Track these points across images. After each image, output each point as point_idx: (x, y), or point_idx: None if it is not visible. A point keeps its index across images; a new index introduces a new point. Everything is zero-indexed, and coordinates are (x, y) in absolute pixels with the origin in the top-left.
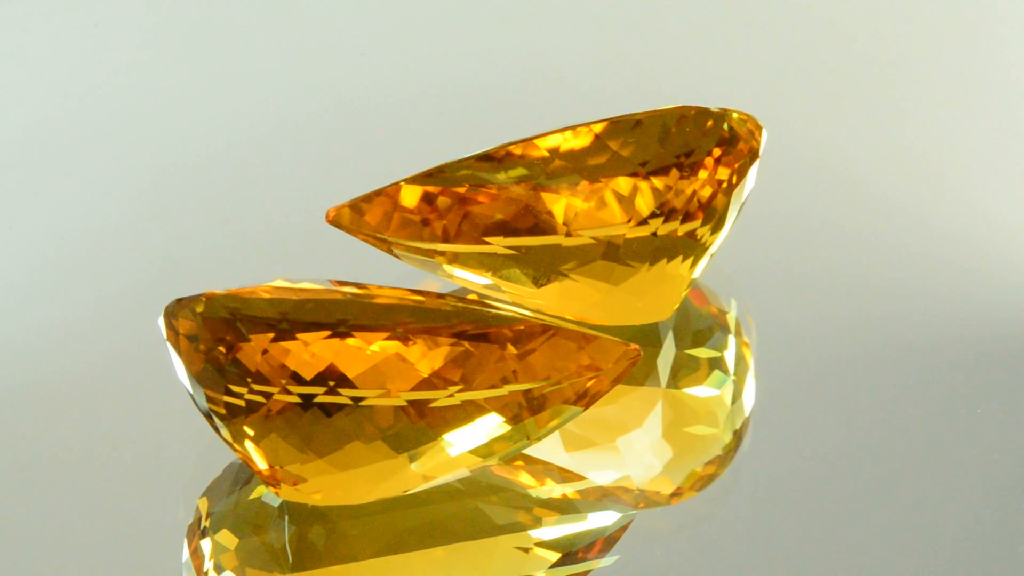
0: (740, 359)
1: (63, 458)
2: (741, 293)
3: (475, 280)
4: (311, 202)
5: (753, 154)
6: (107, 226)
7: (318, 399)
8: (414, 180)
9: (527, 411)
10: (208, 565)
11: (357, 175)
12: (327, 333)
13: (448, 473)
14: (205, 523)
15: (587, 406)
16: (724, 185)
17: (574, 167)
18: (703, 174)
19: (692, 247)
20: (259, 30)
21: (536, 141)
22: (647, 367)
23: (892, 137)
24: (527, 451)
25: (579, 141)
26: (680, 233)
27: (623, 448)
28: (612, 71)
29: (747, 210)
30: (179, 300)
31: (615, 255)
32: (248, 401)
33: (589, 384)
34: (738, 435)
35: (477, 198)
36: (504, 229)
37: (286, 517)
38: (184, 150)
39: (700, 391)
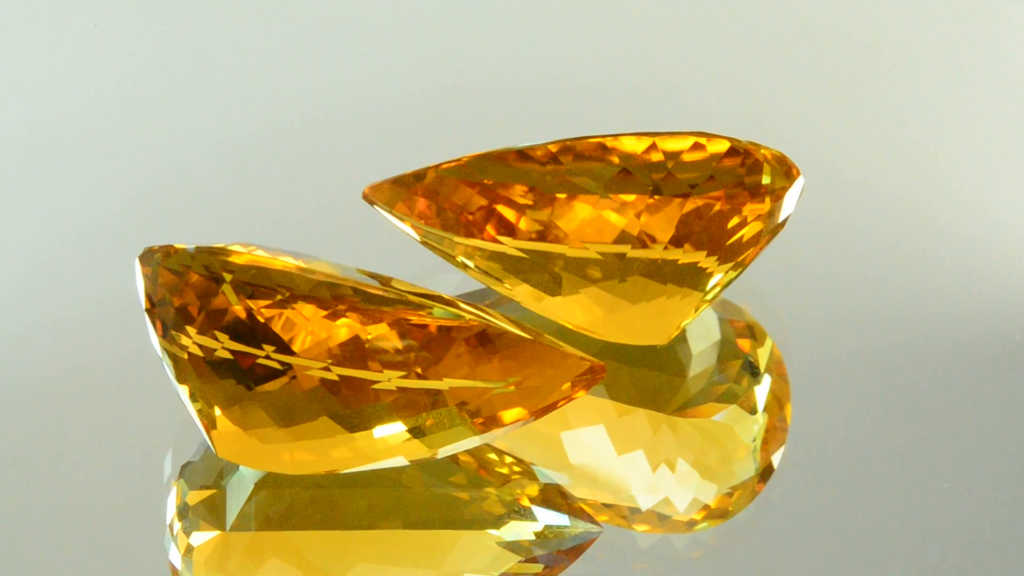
0: (771, 395)
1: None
2: (780, 324)
3: (489, 279)
4: (345, 184)
5: (776, 195)
6: (114, 224)
7: (259, 361)
8: (447, 170)
9: (471, 410)
10: (171, 515)
11: (395, 159)
12: (269, 301)
13: (385, 460)
14: (178, 473)
15: (539, 415)
16: (735, 220)
17: (587, 179)
18: (713, 206)
19: (695, 276)
20: (261, 27)
21: (551, 146)
22: (665, 389)
23: (922, 148)
24: (519, 453)
25: (596, 153)
26: (682, 261)
27: (614, 467)
28: (649, 85)
29: (795, 238)
30: (149, 248)
31: (616, 273)
32: (191, 354)
33: (542, 393)
34: (761, 474)
35: (495, 196)
36: (515, 230)
37: (238, 478)
38: (187, 147)
39: (712, 422)
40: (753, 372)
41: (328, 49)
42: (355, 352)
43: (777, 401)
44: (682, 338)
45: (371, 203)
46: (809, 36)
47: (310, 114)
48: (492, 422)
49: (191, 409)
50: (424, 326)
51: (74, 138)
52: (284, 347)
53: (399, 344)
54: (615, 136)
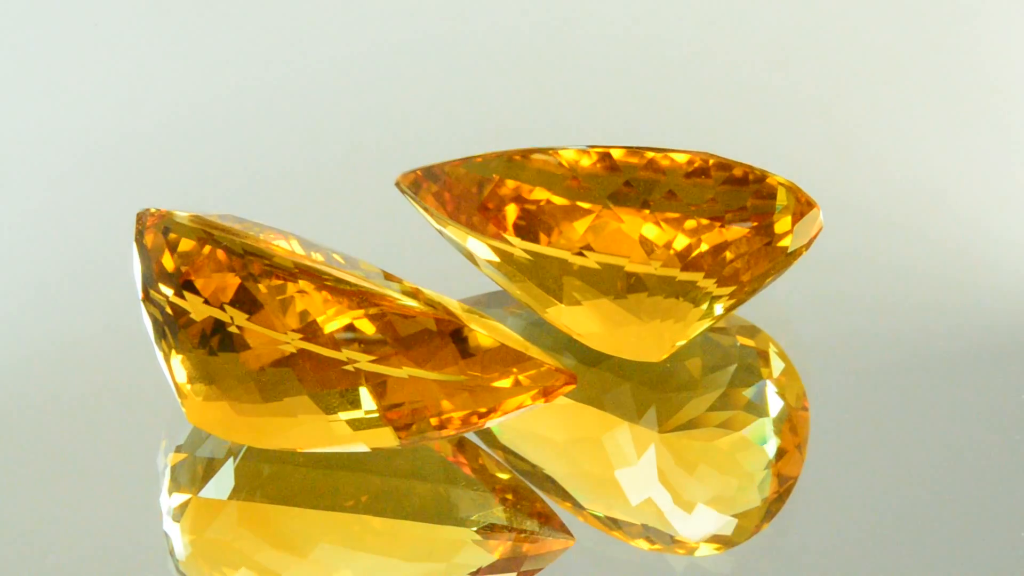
0: (789, 424)
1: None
2: (806, 353)
3: (504, 281)
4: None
5: (781, 224)
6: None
7: (228, 329)
8: (469, 165)
9: (433, 404)
10: (163, 473)
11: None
12: (245, 272)
13: (347, 443)
14: (173, 437)
15: (499, 416)
16: (734, 245)
17: (593, 188)
18: (712, 228)
19: (693, 296)
20: (266, 24)
21: (568, 151)
22: (674, 409)
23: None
24: (518, 456)
25: (605, 165)
26: (679, 279)
27: (616, 482)
28: (686, 104)
29: (828, 265)
30: (145, 210)
31: (615, 285)
32: (166, 315)
33: (505, 396)
34: (771, 504)
35: (509, 195)
36: (522, 231)
37: (214, 445)
38: (190, 144)
39: (721, 447)
40: (771, 400)
41: (373, 37)
42: (322, 331)
43: (794, 431)
44: (699, 360)
45: (402, 192)
46: (836, 61)
47: (353, 99)
48: (452, 419)
49: (166, 373)
50: (393, 315)
51: (91, 132)
52: (254, 317)
53: (365, 329)
54: (627, 149)
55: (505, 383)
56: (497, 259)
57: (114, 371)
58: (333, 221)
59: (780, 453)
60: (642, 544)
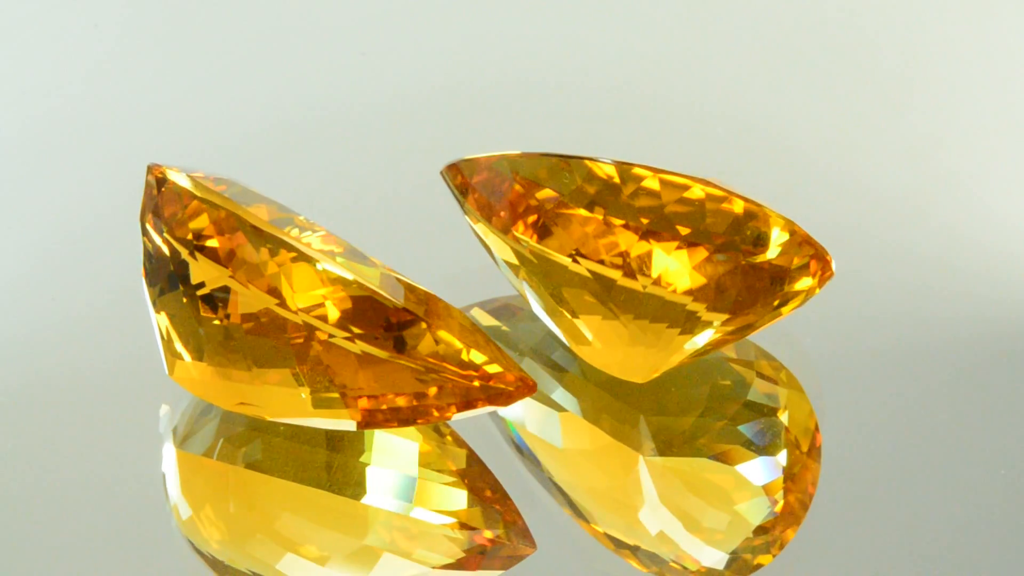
0: (796, 464)
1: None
2: (821, 390)
3: (516, 282)
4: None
5: (774, 262)
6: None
7: (201, 293)
8: (497, 160)
9: (388, 390)
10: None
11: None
12: (229, 234)
13: (311, 418)
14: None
15: (457, 413)
16: (725, 273)
17: (597, 198)
18: (700, 253)
19: (683, 318)
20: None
21: (582, 160)
22: (666, 433)
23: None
24: (517, 460)
25: (607, 176)
26: (668, 299)
27: (612, 500)
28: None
29: (858, 304)
30: (154, 164)
31: (605, 298)
32: (151, 263)
33: (457, 394)
34: (768, 545)
35: (523, 193)
36: (529, 231)
37: (199, 401)
38: (190, 146)
39: (720, 479)
40: (778, 439)
41: (427, 32)
42: (293, 302)
43: (797, 477)
44: (712, 388)
45: (445, 182)
46: (816, 30)
47: (403, 88)
48: (408, 409)
49: (155, 326)
50: (365, 300)
51: (107, 126)
52: (235, 277)
53: (335, 308)
54: (642, 166)
55: (463, 381)
56: (515, 260)
57: (115, 327)
58: (370, 210)
59: (781, 495)
60: (633, 563)
